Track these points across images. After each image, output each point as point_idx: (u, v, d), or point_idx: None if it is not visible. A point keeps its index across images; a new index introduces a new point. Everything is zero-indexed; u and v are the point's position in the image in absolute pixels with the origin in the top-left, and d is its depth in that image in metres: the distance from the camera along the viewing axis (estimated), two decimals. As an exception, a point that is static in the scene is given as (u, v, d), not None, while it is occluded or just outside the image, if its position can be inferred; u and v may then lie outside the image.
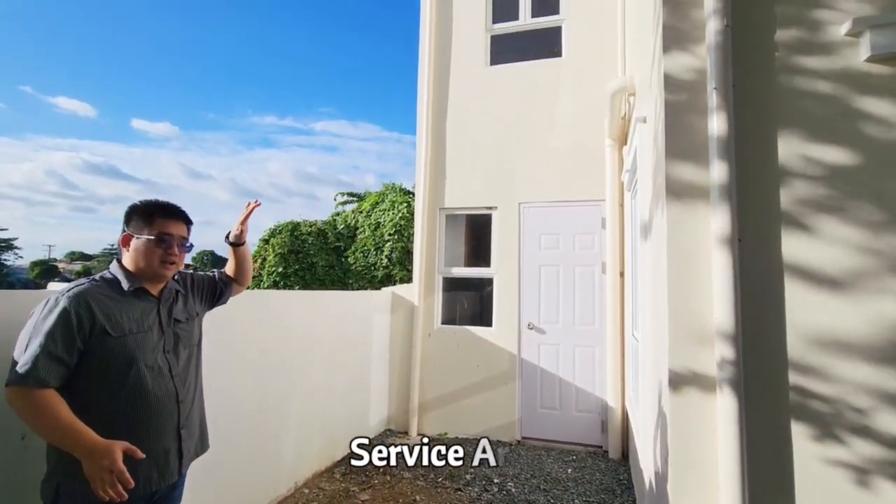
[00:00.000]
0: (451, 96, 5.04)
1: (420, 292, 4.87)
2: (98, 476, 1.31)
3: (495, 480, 3.66)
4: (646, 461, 2.65)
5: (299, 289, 8.55)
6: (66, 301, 1.41)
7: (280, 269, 9.18)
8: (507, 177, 4.77)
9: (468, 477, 3.73)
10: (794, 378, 1.70)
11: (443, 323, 4.94)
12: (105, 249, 62.65)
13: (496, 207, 4.80)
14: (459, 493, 3.45)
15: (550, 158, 4.64)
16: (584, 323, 4.47)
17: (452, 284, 5.11)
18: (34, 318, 1.41)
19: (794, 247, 1.74)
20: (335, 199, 11.05)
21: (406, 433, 4.74)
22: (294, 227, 9.63)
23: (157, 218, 1.60)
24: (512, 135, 4.80)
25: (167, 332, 1.62)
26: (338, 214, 10.43)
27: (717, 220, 1.76)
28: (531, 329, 4.58)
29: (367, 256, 9.10)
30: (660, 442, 2.06)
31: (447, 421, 4.72)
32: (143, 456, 1.39)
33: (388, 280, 8.53)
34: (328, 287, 9.08)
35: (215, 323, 2.71)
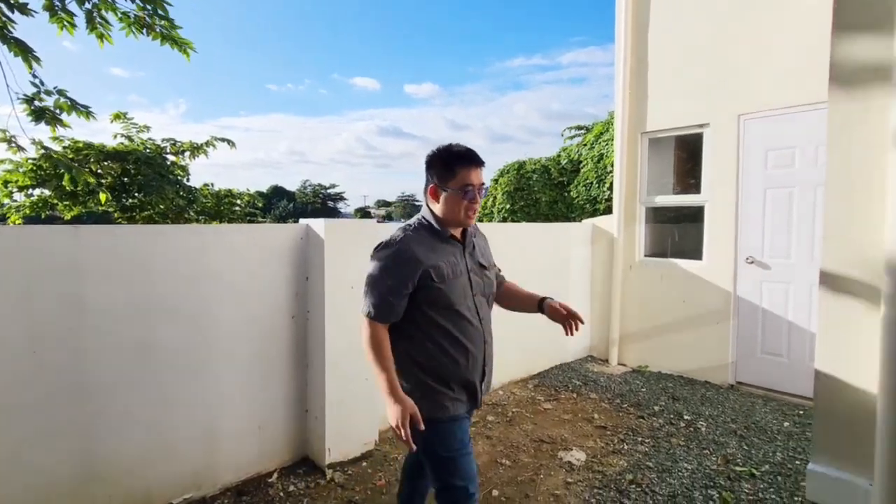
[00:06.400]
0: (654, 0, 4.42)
1: (619, 224, 4.72)
2: (392, 422, 1.51)
3: (685, 416, 3.51)
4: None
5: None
6: (396, 251, 1.56)
7: (507, 206, 9.95)
8: (722, 85, 4.02)
9: (656, 408, 3.68)
10: None
11: (646, 255, 4.69)
12: (399, 196, 78.43)
13: (707, 124, 4.13)
14: (641, 420, 3.48)
15: (783, 54, 3.66)
16: (830, 257, 3.56)
17: (657, 215, 4.74)
18: (373, 262, 1.61)
19: None
20: (562, 135, 11.01)
21: (606, 361, 4.85)
22: (520, 166, 10.15)
23: (457, 168, 1.59)
24: (729, 32, 3.95)
25: (473, 276, 1.68)
26: (564, 149, 10.40)
27: None
28: (751, 263, 3.93)
29: (588, 189, 8.93)
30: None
31: (649, 354, 4.60)
32: (423, 428, 1.51)
33: (609, 212, 8.25)
34: (551, 221, 9.40)
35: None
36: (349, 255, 2.83)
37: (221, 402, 2.55)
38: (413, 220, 1.68)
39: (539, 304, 1.83)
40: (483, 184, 1.64)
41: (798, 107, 3.63)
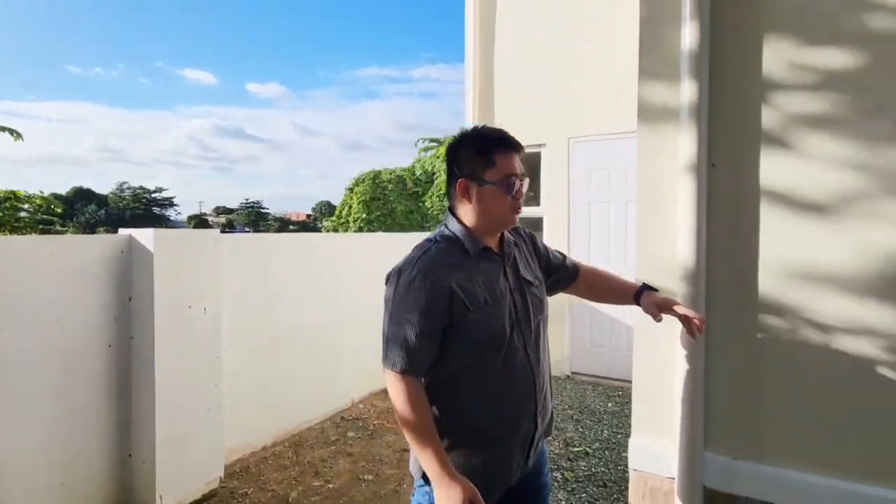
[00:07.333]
0: (498, 29, 4.84)
1: (472, 233, 5.01)
2: None
3: (532, 409, 3.86)
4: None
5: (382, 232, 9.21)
6: (419, 277, 1.19)
7: (363, 216, 9.89)
8: (555, 111, 4.56)
9: (507, 404, 3.97)
10: (764, 317, 1.59)
11: (496, 262, 5.06)
12: (241, 203, 71.66)
13: (545, 144, 4.66)
14: (495, 417, 3.72)
15: (603, 88, 4.32)
16: (637, 261, 4.29)
17: (505, 225, 5.16)
18: (390, 297, 1.23)
19: (774, 170, 1.56)
20: (416, 146, 11.37)
21: (462, 364, 5.09)
22: (375, 176, 10.21)
23: (496, 155, 1.24)
24: (561, 64, 4.52)
25: (517, 298, 1.31)
26: (419, 161, 10.75)
27: (683, 144, 1.64)
28: (580, 267, 4.52)
29: (443, 200, 9.37)
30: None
31: (499, 354, 4.95)
32: None
33: (462, 223, 8.77)
34: (406, 230, 9.60)
35: (273, 261, 3.16)
36: (186, 269, 2.49)
37: (4, 459, 2.00)
38: (433, 235, 1.31)
39: (636, 297, 1.48)
40: (524, 174, 1.30)
41: (613, 134, 4.30)
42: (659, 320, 1.42)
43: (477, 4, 4.85)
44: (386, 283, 1.26)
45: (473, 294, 1.21)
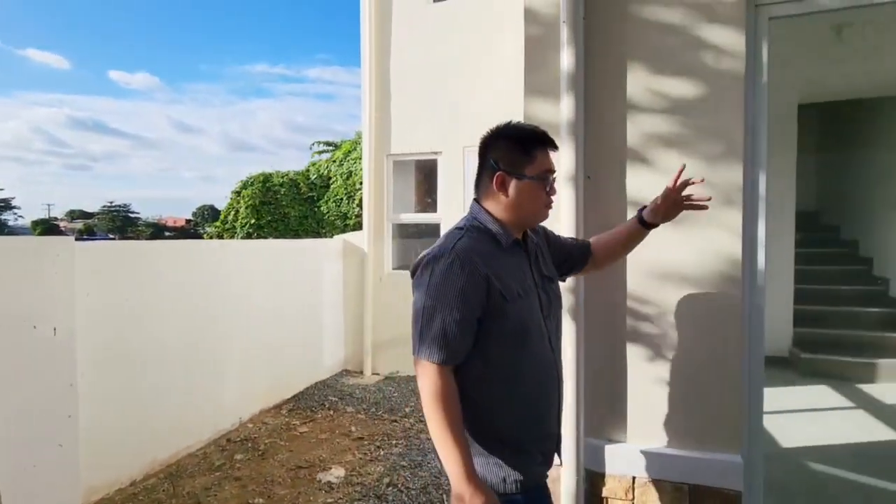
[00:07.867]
0: (394, 37, 4.88)
1: (369, 239, 4.96)
2: None
3: (431, 412, 3.91)
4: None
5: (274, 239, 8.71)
6: (456, 263, 1.16)
7: (252, 221, 9.28)
8: (451, 120, 4.71)
9: (407, 410, 3.98)
10: (630, 314, 1.79)
11: (395, 268, 5.06)
12: (104, 207, 62.67)
13: (441, 152, 4.78)
14: (395, 423, 3.70)
15: (496, 102, 4.55)
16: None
17: (402, 230, 5.19)
18: (424, 284, 1.19)
19: (637, 183, 1.78)
20: (311, 149, 10.98)
21: (361, 373, 5.00)
22: (266, 179, 9.62)
23: (536, 150, 1.27)
24: (456, 76, 4.69)
25: (542, 293, 1.33)
26: (313, 164, 10.37)
27: (563, 158, 1.79)
28: (475, 272, 4.70)
29: (339, 205, 9.14)
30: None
31: (399, 361, 4.94)
32: None
33: (360, 228, 8.61)
34: (301, 237, 9.20)
35: (142, 272, 2.81)
36: (29, 284, 2.13)
37: None
38: (462, 223, 1.30)
39: (642, 223, 1.50)
40: (555, 171, 1.33)
41: (502, 146, 4.55)
42: (668, 212, 1.48)
43: (372, 12, 4.84)
44: (415, 272, 1.23)
45: (508, 284, 1.22)
